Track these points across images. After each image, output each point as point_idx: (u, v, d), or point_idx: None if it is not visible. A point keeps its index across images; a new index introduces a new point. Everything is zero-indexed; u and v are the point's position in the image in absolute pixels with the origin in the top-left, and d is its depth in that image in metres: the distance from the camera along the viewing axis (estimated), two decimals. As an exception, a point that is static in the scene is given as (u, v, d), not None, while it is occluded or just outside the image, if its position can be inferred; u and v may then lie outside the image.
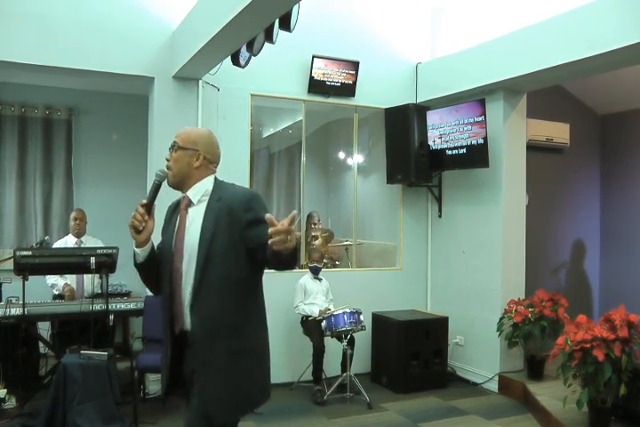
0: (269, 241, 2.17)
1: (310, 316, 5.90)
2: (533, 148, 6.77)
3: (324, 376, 5.92)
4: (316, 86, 6.46)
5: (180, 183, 2.65)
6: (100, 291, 5.99)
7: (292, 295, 6.07)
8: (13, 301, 5.35)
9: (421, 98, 6.90)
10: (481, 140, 6.03)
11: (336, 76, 6.51)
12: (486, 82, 5.98)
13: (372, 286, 6.80)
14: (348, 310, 5.76)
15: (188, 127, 2.80)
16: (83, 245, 6.12)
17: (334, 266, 7.12)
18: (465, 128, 6.16)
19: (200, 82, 5.93)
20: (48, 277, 6.07)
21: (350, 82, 6.58)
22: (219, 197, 2.57)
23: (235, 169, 6.09)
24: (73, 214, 6.36)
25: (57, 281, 6.09)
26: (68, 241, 6.25)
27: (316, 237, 7.18)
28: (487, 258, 6.31)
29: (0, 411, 5.01)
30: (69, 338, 5.36)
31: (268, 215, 2.18)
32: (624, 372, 4.40)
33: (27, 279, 5.11)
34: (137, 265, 2.65)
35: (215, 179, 2.69)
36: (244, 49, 5.07)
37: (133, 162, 6.86)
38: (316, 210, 7.53)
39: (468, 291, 6.54)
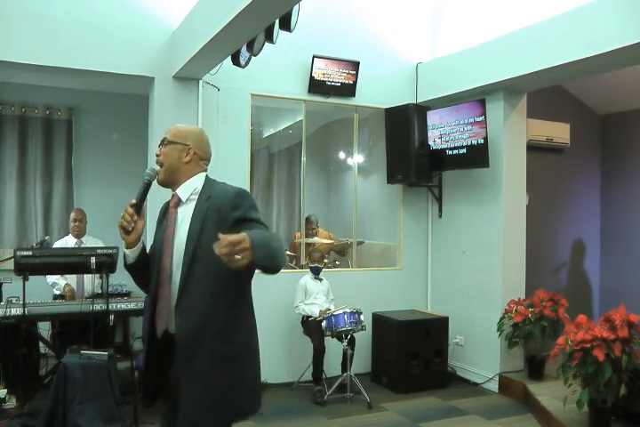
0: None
1: (311, 316, 5.90)
2: (533, 148, 6.77)
3: (324, 376, 5.92)
4: (316, 86, 6.46)
5: (170, 180, 2.60)
6: (100, 291, 5.99)
7: (293, 295, 6.07)
8: (14, 301, 5.35)
9: (421, 98, 6.90)
10: (481, 141, 6.03)
11: (336, 76, 6.51)
12: (486, 82, 5.98)
13: (373, 286, 6.80)
14: (348, 310, 5.76)
15: (181, 124, 2.76)
16: (83, 246, 6.12)
17: (335, 266, 7.12)
18: (465, 128, 6.16)
19: (200, 82, 5.92)
20: (49, 276, 6.07)
21: (350, 82, 6.58)
22: (208, 196, 2.51)
23: (235, 169, 6.09)
24: (73, 215, 6.36)
25: (58, 280, 6.10)
26: (69, 241, 6.25)
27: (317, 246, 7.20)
28: (487, 258, 6.31)
29: (0, 411, 5.01)
30: (70, 338, 5.36)
31: (220, 235, 2.04)
32: (624, 372, 4.40)
33: (27, 279, 5.11)
34: (127, 266, 2.61)
35: (206, 177, 2.64)
36: (244, 49, 5.07)
37: (133, 162, 6.86)
38: (314, 213, 7.52)
39: (469, 291, 6.54)
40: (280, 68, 6.33)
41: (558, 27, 5.16)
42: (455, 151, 6.30)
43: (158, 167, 2.62)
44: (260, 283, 6.31)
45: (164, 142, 2.61)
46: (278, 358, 6.28)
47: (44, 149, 7.46)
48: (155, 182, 2.63)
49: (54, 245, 6.27)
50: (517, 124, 6.29)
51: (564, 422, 4.82)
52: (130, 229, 2.48)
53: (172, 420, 2.54)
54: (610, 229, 7.88)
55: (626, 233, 7.64)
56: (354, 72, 6.57)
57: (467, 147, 6.17)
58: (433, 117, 6.54)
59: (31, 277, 5.14)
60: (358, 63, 6.58)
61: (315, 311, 5.88)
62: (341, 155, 8.61)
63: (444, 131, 6.40)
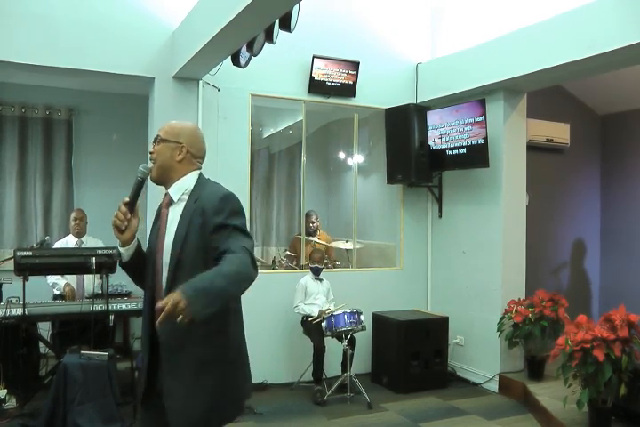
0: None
1: (310, 316, 5.90)
2: (533, 148, 6.77)
3: (324, 376, 5.92)
4: (316, 86, 6.46)
5: (163, 178, 2.55)
6: (100, 291, 5.99)
7: (293, 296, 6.07)
8: (14, 301, 5.35)
9: (422, 98, 6.90)
10: (481, 141, 6.03)
11: (336, 76, 6.51)
12: (486, 82, 5.98)
13: (373, 287, 6.80)
14: (348, 311, 5.76)
15: (175, 121, 2.69)
16: (83, 246, 6.12)
17: (335, 266, 7.12)
18: (465, 128, 6.16)
19: (200, 82, 5.93)
20: (49, 276, 6.07)
21: (350, 82, 6.58)
22: (196, 198, 2.46)
23: (235, 169, 6.10)
24: (73, 215, 6.36)
25: (58, 280, 6.10)
26: (69, 241, 6.25)
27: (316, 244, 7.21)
28: (487, 258, 6.31)
29: (0, 411, 5.00)
30: (70, 338, 5.36)
31: (157, 305, 2.01)
32: (624, 372, 4.40)
33: (27, 280, 5.11)
34: (122, 265, 2.58)
35: (200, 176, 2.58)
36: (244, 49, 5.07)
37: (133, 162, 6.72)
38: (313, 209, 7.52)
39: (469, 291, 6.54)
40: (280, 69, 6.33)
41: (558, 27, 5.17)
42: (455, 151, 6.30)
43: (151, 164, 2.58)
44: (261, 283, 6.31)
45: (156, 140, 2.57)
46: (278, 358, 6.28)
47: (44, 149, 7.45)
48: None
49: (54, 246, 6.27)
50: (517, 124, 6.29)
51: (564, 422, 4.82)
52: (123, 227, 2.46)
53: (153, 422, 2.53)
54: (610, 228, 7.88)
55: (626, 233, 7.64)
56: (354, 72, 6.57)
57: (467, 147, 6.17)
58: (433, 117, 6.54)
59: (31, 278, 5.14)
60: (358, 63, 6.58)
61: (314, 311, 5.88)
62: (341, 155, 8.61)
63: (444, 131, 6.40)
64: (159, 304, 2.01)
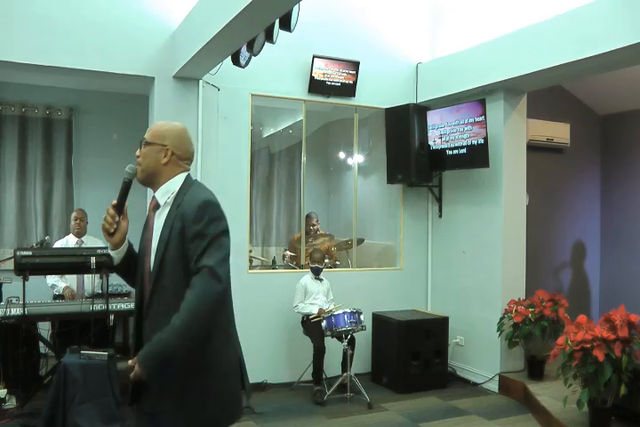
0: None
1: (310, 315, 5.90)
2: (534, 148, 6.77)
3: (324, 376, 5.92)
4: (316, 86, 6.46)
5: (149, 180, 2.51)
6: (100, 291, 6.00)
7: (293, 296, 6.06)
8: (14, 301, 5.35)
9: (422, 98, 6.89)
10: (481, 141, 6.02)
11: (336, 76, 6.51)
12: (487, 82, 5.97)
13: (373, 286, 6.80)
14: (348, 310, 5.76)
15: (162, 121, 2.65)
16: (83, 245, 6.12)
17: (335, 266, 7.12)
18: (465, 128, 6.16)
19: (200, 82, 5.93)
20: (48, 277, 6.07)
21: (351, 82, 6.58)
22: (179, 203, 2.40)
23: (235, 169, 6.12)
24: (74, 214, 6.37)
25: (57, 282, 6.10)
26: (69, 241, 6.25)
27: (315, 239, 7.20)
28: (487, 258, 6.31)
29: (0, 411, 5.01)
30: (70, 338, 5.36)
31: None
32: (624, 372, 4.40)
33: (27, 279, 5.12)
34: (113, 268, 2.57)
35: (185, 179, 2.52)
36: (244, 49, 5.07)
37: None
38: (314, 211, 7.52)
39: (469, 291, 6.54)
40: (280, 68, 6.32)
41: (558, 26, 5.16)
42: (455, 151, 6.30)
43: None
44: (261, 283, 6.36)
45: (142, 143, 2.53)
46: (278, 358, 6.28)
47: (45, 148, 7.45)
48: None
49: (55, 245, 6.27)
50: (517, 124, 6.29)
51: (565, 422, 4.82)
52: (112, 230, 2.44)
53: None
54: (610, 228, 7.89)
55: (626, 233, 7.64)
56: (354, 72, 6.57)
57: (467, 147, 6.17)
58: (433, 117, 6.54)
59: (31, 278, 5.15)
60: (358, 63, 6.57)
61: (314, 311, 5.88)
62: (341, 155, 8.62)
63: (444, 131, 6.40)
64: (129, 364, 2.26)
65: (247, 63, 5.36)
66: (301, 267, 6.69)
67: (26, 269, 5.10)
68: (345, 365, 5.77)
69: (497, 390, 6.13)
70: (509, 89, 6.12)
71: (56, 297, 6.09)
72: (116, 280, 6.32)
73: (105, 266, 5.21)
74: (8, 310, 5.14)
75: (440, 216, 7.00)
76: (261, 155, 8.40)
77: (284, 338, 6.32)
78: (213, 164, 6.01)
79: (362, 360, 6.44)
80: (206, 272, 2.26)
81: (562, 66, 5.16)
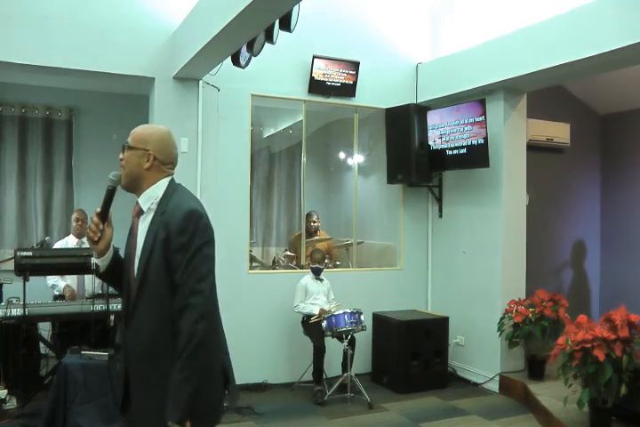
0: None
1: (311, 315, 5.90)
2: (534, 148, 6.77)
3: (324, 376, 5.92)
4: (316, 87, 6.46)
5: (132, 186, 2.46)
6: (100, 291, 6.00)
7: (293, 296, 6.06)
8: (14, 301, 5.35)
9: (422, 98, 6.89)
10: (481, 141, 6.03)
11: (336, 76, 6.51)
12: (487, 82, 5.97)
13: (373, 287, 6.80)
14: (348, 311, 5.76)
15: (145, 125, 2.61)
16: (83, 246, 6.12)
17: (335, 266, 7.12)
18: (465, 128, 6.16)
19: (200, 82, 5.93)
20: (49, 277, 6.07)
21: (351, 82, 6.58)
22: (163, 210, 2.37)
23: (235, 169, 6.12)
24: (75, 215, 6.37)
25: (57, 282, 6.09)
26: (69, 242, 6.25)
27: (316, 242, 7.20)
28: (488, 258, 6.31)
29: (1, 412, 5.01)
30: (70, 338, 5.36)
31: None
32: (625, 372, 4.40)
33: (27, 280, 5.12)
34: (99, 275, 2.56)
35: (170, 183, 2.48)
36: (244, 49, 5.07)
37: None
38: (315, 209, 7.52)
39: (469, 291, 6.54)
40: (280, 69, 6.32)
41: (558, 26, 5.16)
42: (455, 151, 6.30)
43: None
44: (261, 284, 6.36)
45: (124, 147, 2.49)
46: (279, 358, 6.28)
47: (45, 149, 7.45)
48: None
49: (55, 246, 6.27)
50: (517, 124, 6.29)
51: (565, 422, 4.82)
52: (96, 238, 2.41)
53: None
54: (610, 229, 7.88)
55: (626, 233, 7.63)
56: (354, 72, 6.57)
57: (467, 147, 6.17)
58: (433, 117, 6.54)
59: (31, 278, 5.16)
60: (358, 63, 6.58)
61: (314, 311, 5.89)
62: (342, 155, 8.62)
63: (444, 131, 6.40)
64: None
65: (247, 64, 5.37)
66: (302, 267, 6.69)
67: (26, 269, 5.10)
68: (345, 365, 5.77)
69: (497, 390, 6.13)
70: (509, 89, 6.12)
71: (56, 298, 6.09)
72: (116, 281, 6.32)
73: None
74: (8, 310, 5.14)
75: (440, 216, 7.00)
76: (261, 155, 8.40)
77: (285, 338, 6.32)
78: (213, 164, 6.01)
79: (362, 360, 6.44)
80: (188, 296, 2.24)
81: (562, 66, 5.16)
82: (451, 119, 6.31)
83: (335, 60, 6.47)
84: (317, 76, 6.42)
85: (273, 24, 4.57)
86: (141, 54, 5.70)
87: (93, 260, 2.50)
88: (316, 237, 7.24)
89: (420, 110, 6.65)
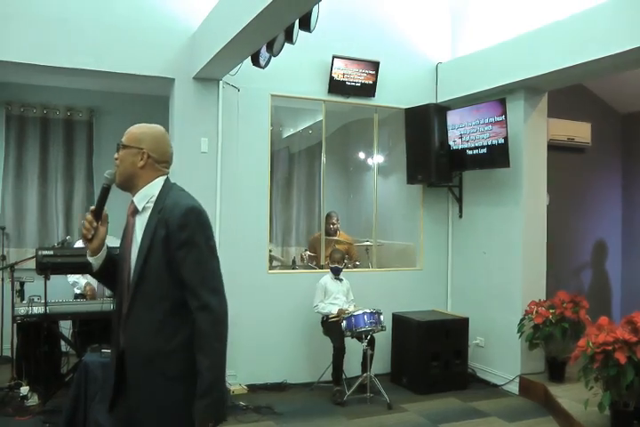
0: None
1: (330, 314, 5.90)
2: (554, 147, 6.72)
3: (344, 377, 5.91)
4: (336, 87, 6.46)
5: (127, 184, 2.49)
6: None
7: (313, 296, 6.07)
8: (35, 299, 5.41)
9: (442, 98, 6.87)
10: (501, 140, 5.99)
11: (356, 76, 6.50)
12: (507, 81, 5.94)
13: (393, 287, 6.78)
14: (368, 311, 5.76)
15: (139, 124, 2.58)
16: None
17: (355, 266, 7.11)
18: (485, 128, 6.13)
19: (220, 82, 5.95)
20: (70, 275, 6.11)
21: (370, 82, 6.57)
22: (160, 208, 2.36)
23: (255, 169, 6.14)
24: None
25: (78, 279, 6.15)
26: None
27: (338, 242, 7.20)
28: (508, 259, 6.27)
29: (23, 408, 5.07)
30: (90, 337, 5.39)
31: None
32: (647, 375, 4.36)
33: (48, 278, 5.17)
34: (93, 274, 2.55)
35: (165, 182, 2.48)
36: (264, 49, 5.08)
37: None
38: (334, 210, 7.52)
39: (489, 292, 6.51)
40: (300, 69, 6.33)
41: (579, 25, 5.12)
42: (475, 151, 6.27)
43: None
44: (281, 284, 6.37)
45: (119, 146, 2.51)
46: (298, 358, 6.29)
47: (66, 149, 7.51)
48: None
49: (76, 245, 6.31)
50: (538, 123, 6.25)
51: (586, 425, 4.78)
52: (90, 236, 2.42)
53: None
54: (632, 229, 7.81)
55: (648, 234, 7.56)
56: (373, 72, 6.56)
57: (487, 147, 6.14)
58: (453, 117, 6.51)
59: (52, 277, 5.19)
60: (378, 63, 6.57)
61: (334, 311, 5.88)
62: (361, 155, 8.60)
63: (464, 131, 6.37)
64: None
65: (267, 64, 5.37)
66: (321, 267, 6.69)
67: (47, 268, 5.14)
68: (365, 365, 5.76)
69: (517, 392, 6.09)
70: (530, 88, 6.08)
71: (77, 296, 6.14)
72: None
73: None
74: (30, 308, 5.22)
75: (460, 216, 6.97)
76: (281, 155, 8.40)
77: (304, 338, 6.32)
78: (233, 164, 6.02)
79: (381, 361, 6.42)
80: (202, 296, 2.26)
81: (583, 64, 5.11)
82: (471, 119, 6.28)
83: (355, 60, 6.46)
84: (337, 76, 6.42)
85: (293, 24, 4.57)
86: (161, 55, 5.73)
87: (88, 258, 2.49)
88: (336, 238, 7.23)
89: (440, 110, 6.62)
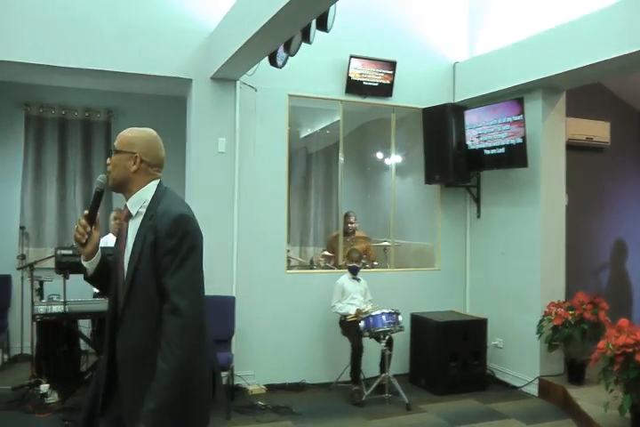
0: None
1: (348, 314, 5.89)
2: (573, 147, 6.67)
3: (362, 377, 5.90)
4: (353, 86, 6.45)
5: (120, 188, 2.49)
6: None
7: (331, 296, 6.07)
8: (54, 298, 5.46)
9: (459, 97, 6.84)
10: (519, 140, 5.96)
11: (373, 76, 6.49)
12: (524, 80, 5.91)
13: (411, 287, 6.77)
14: (386, 311, 5.74)
15: (131, 128, 2.57)
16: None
17: (373, 266, 7.09)
18: (503, 127, 6.10)
19: (238, 83, 5.96)
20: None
21: (387, 82, 6.56)
22: (152, 214, 2.35)
23: (273, 169, 6.15)
24: (113, 214, 6.48)
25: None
26: (109, 240, 6.32)
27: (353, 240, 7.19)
28: (526, 259, 6.23)
29: (43, 405, 5.12)
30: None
31: None
32: (668, 377, 4.31)
33: (67, 278, 5.21)
34: (87, 279, 2.54)
35: (159, 186, 2.48)
36: (281, 49, 5.08)
37: (172, 162, 6.79)
38: (352, 210, 7.51)
39: (507, 292, 6.46)
40: (317, 69, 6.33)
41: (597, 23, 5.08)
42: (493, 151, 6.24)
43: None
44: (299, 283, 6.38)
45: (111, 151, 2.49)
46: (316, 358, 6.29)
47: (84, 150, 7.56)
48: None
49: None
50: (556, 123, 6.20)
51: (605, 427, 4.74)
52: (84, 241, 2.42)
53: None
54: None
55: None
56: (391, 72, 6.55)
57: (505, 146, 6.11)
58: (470, 117, 6.48)
59: (71, 276, 5.23)
60: (395, 63, 6.55)
61: (351, 310, 5.87)
62: (379, 155, 8.59)
63: (481, 130, 6.34)
64: None
65: (284, 64, 5.38)
66: (339, 267, 6.69)
67: (66, 267, 5.18)
68: (383, 365, 5.75)
69: (536, 394, 6.04)
70: (548, 87, 6.04)
71: (96, 295, 6.17)
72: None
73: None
74: (49, 307, 5.27)
75: (478, 217, 6.94)
76: (299, 155, 8.41)
77: (322, 338, 6.32)
78: (251, 164, 6.04)
79: (400, 361, 6.38)
80: (176, 302, 2.22)
81: (601, 63, 5.07)
82: (488, 118, 6.25)
83: (372, 59, 6.45)
84: (354, 75, 6.41)
85: (310, 24, 4.57)
86: (179, 56, 5.75)
87: (82, 262, 2.49)
88: (354, 237, 7.22)
89: (458, 110, 6.60)
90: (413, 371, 6.49)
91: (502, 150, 6.14)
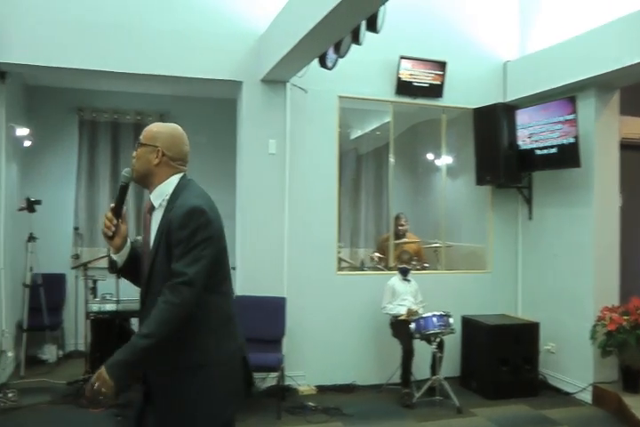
0: None
1: (399, 316, 5.87)
2: (627, 146, 6.49)
3: (412, 379, 5.86)
4: (403, 87, 6.43)
5: (144, 181, 2.54)
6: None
7: (381, 297, 6.05)
8: (107, 297, 5.58)
9: (510, 97, 6.76)
10: (572, 140, 5.85)
11: (423, 76, 6.46)
12: (578, 78, 5.80)
13: (462, 289, 6.71)
14: (437, 313, 5.71)
15: (157, 123, 2.64)
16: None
17: (423, 268, 7.05)
18: (555, 127, 6.00)
19: (288, 84, 6.00)
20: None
21: (438, 82, 6.52)
22: (171, 207, 2.41)
23: (323, 171, 6.18)
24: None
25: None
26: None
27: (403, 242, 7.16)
28: (579, 262, 6.11)
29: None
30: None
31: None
32: None
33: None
34: (117, 271, 2.61)
35: (181, 180, 2.52)
36: (331, 51, 5.09)
37: (223, 164, 6.89)
38: (402, 211, 7.48)
39: (560, 296, 6.35)
40: (367, 70, 6.32)
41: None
42: (545, 151, 6.14)
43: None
44: (350, 284, 6.39)
45: (137, 145, 2.55)
46: (367, 359, 6.28)
47: (136, 153, 7.69)
48: None
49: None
50: (610, 121, 6.07)
51: (662, 436, 4.60)
52: (111, 234, 2.48)
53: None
54: None
55: None
56: (441, 72, 6.51)
57: (557, 146, 6.01)
58: (522, 117, 6.40)
59: (124, 275, 5.33)
60: (445, 63, 6.51)
61: (402, 311, 5.86)
62: (429, 156, 8.53)
63: (533, 130, 6.25)
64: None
65: (334, 65, 5.38)
66: (389, 268, 6.67)
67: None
68: (434, 368, 5.70)
69: (590, 401, 5.89)
70: (601, 85, 5.91)
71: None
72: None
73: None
74: (103, 305, 5.42)
75: (530, 218, 6.83)
76: (349, 156, 8.40)
77: (372, 339, 6.31)
78: (301, 166, 6.06)
79: (451, 364, 6.33)
80: (179, 281, 2.28)
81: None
82: (540, 118, 6.16)
83: (422, 60, 6.43)
84: (404, 76, 6.39)
85: (359, 25, 4.57)
86: (229, 59, 5.82)
87: (111, 255, 2.57)
88: (404, 240, 7.19)
89: (509, 109, 6.52)
90: (464, 374, 6.43)
91: (554, 150, 6.05)
